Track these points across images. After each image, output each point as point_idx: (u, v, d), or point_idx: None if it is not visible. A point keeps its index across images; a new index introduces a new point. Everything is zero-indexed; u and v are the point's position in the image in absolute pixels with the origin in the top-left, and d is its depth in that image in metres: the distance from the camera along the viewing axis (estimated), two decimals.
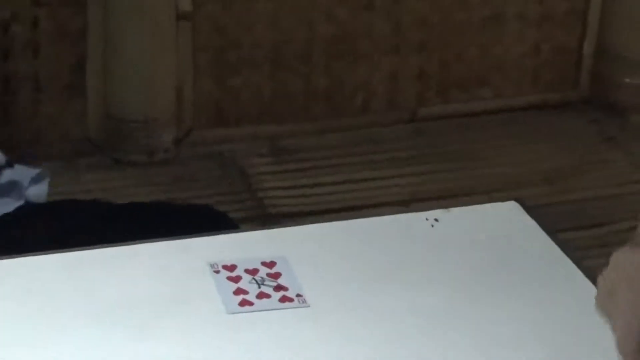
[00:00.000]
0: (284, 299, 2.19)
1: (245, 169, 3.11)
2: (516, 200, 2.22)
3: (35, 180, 2.71)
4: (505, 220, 2.21)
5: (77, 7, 3.11)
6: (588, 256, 2.32)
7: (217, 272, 2.16)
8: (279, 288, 2.27)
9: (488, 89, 3.50)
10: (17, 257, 2.12)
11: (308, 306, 2.01)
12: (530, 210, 2.15)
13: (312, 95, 3.39)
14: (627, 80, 3.54)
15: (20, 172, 2.69)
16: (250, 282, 2.30)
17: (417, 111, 3.83)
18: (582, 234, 2.96)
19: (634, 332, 1.70)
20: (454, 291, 2.00)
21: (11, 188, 2.68)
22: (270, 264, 2.20)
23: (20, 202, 2.67)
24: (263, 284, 2.25)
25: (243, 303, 2.16)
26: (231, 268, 2.19)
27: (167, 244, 2.15)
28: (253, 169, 3.13)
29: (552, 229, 2.12)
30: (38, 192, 2.68)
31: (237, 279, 2.21)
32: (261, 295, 2.26)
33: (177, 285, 2.09)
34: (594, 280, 1.86)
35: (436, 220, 2.19)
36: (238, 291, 2.19)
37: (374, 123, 3.67)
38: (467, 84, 3.76)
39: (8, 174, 2.73)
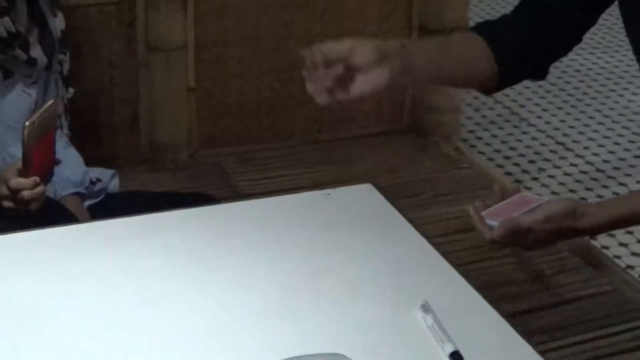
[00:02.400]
0: None
1: (227, 171, 3.03)
2: (372, 183, 2.22)
3: (112, 178, 2.61)
4: (363, 197, 2.20)
5: (132, 83, 2.91)
6: (416, 216, 2.20)
7: None
8: None
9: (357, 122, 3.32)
10: (104, 220, 2.17)
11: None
12: (380, 189, 2.19)
13: (264, 132, 3.26)
14: (429, 117, 3.40)
15: (102, 173, 2.59)
16: None
17: (319, 136, 3.58)
18: (409, 201, 2.64)
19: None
20: (317, 248, 1.99)
21: (99, 185, 2.59)
22: None
23: (104, 194, 2.58)
24: None
25: None
26: None
27: (181, 212, 2.14)
28: (231, 170, 3.04)
29: (393, 200, 2.16)
30: (113, 186, 2.60)
31: None
32: None
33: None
34: (424, 235, 2.01)
35: (328, 194, 2.16)
36: None
37: (295, 144, 3.24)
38: (347, 117, 3.65)
39: (97, 173, 2.65)
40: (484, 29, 2.01)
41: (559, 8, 1.97)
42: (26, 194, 2.22)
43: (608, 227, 1.88)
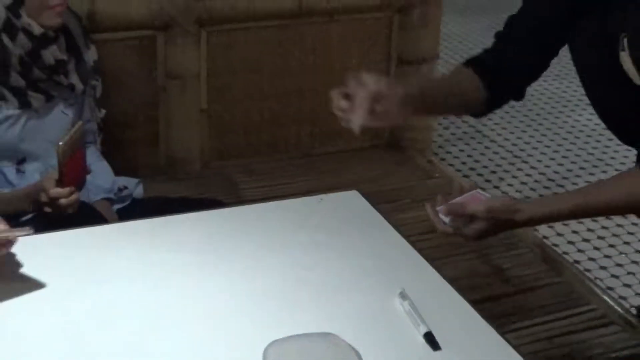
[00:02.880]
0: None
1: (233, 180, 3.04)
2: (357, 190, 2.23)
3: (136, 185, 2.60)
4: (350, 202, 2.20)
5: (152, 105, 3.01)
6: (395, 219, 2.17)
7: None
8: None
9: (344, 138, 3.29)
10: (130, 221, 2.18)
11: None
12: (364, 195, 2.20)
13: (265, 147, 3.24)
14: (405, 134, 3.39)
15: (128, 181, 2.58)
16: None
17: (311, 151, 3.57)
18: (389, 206, 2.67)
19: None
20: (311, 245, 1.99)
21: (125, 191, 2.58)
22: None
23: (130, 199, 2.57)
24: None
25: None
26: None
27: (194, 214, 2.12)
28: (236, 180, 3.05)
29: (375, 204, 2.17)
30: (138, 192, 2.59)
31: None
32: None
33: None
34: (403, 235, 2.01)
35: (321, 200, 2.16)
36: None
37: (291, 157, 3.25)
38: (336, 134, 3.51)
39: (124, 181, 2.63)
40: (475, 64, 2.03)
41: (530, 41, 2.00)
42: (63, 201, 2.23)
43: (539, 222, 1.89)
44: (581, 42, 1.94)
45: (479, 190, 1.97)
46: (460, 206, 1.93)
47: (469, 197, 1.93)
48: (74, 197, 2.27)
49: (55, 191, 2.23)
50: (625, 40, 1.82)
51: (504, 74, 2.03)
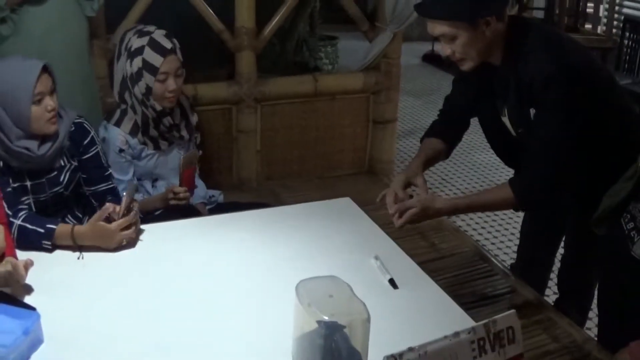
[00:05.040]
0: None
1: (275, 192, 3.08)
2: (350, 197, 2.17)
3: (219, 195, 2.64)
4: (342, 209, 2.13)
5: (228, 149, 3.19)
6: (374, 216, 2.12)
7: None
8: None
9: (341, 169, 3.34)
10: (216, 215, 2.13)
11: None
12: (354, 201, 2.13)
13: (293, 173, 3.38)
14: (378, 165, 3.41)
15: (214, 192, 2.61)
16: None
17: (321, 175, 3.41)
18: (366, 207, 2.64)
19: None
20: (320, 231, 1.95)
21: (213, 198, 2.62)
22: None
23: (216, 203, 2.60)
24: None
25: None
26: None
27: (253, 212, 2.10)
28: (277, 192, 3.09)
29: (360, 206, 2.09)
30: (220, 199, 2.63)
31: None
32: None
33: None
34: (377, 223, 1.98)
35: (328, 203, 2.07)
36: None
37: (308, 179, 3.34)
38: (336, 166, 3.43)
39: (212, 192, 2.65)
40: (436, 134, 2.05)
41: (459, 112, 2.03)
42: (181, 195, 2.28)
43: (447, 212, 1.85)
44: (483, 112, 1.99)
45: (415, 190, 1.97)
46: (398, 194, 1.91)
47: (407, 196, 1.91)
48: (187, 194, 2.30)
49: (177, 188, 2.30)
50: (505, 110, 1.89)
51: (451, 133, 2.07)
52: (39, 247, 1.71)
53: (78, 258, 1.72)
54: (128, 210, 1.82)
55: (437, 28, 1.66)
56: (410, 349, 1.02)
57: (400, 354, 1.01)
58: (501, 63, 1.74)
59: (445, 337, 1.09)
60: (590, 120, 1.67)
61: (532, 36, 1.68)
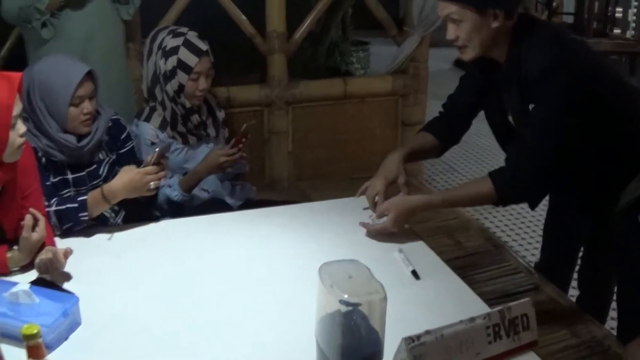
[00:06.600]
0: None
1: (305, 191, 3.09)
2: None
3: (254, 192, 2.65)
4: (353, 207, 2.04)
5: (260, 150, 3.28)
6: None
7: None
8: None
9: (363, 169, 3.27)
10: (250, 209, 2.15)
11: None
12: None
13: (322, 175, 3.39)
14: (407, 166, 3.42)
15: (250, 188, 2.63)
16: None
17: (351, 175, 3.28)
18: None
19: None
20: (338, 222, 1.95)
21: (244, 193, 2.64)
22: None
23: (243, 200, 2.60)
24: None
25: None
26: None
27: (284, 207, 2.11)
28: (307, 191, 3.11)
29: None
30: (254, 195, 2.65)
31: None
32: None
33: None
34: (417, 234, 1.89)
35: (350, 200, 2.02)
36: None
37: (333, 181, 3.27)
38: (364, 167, 3.21)
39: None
40: (431, 129, 2.03)
41: (461, 109, 2.00)
42: (235, 156, 2.25)
43: (423, 208, 1.83)
44: (488, 110, 1.94)
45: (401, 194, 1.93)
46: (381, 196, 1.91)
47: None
48: (237, 155, 2.27)
49: (231, 150, 2.27)
50: (509, 107, 1.89)
51: (448, 132, 2.03)
52: (78, 222, 1.76)
53: (108, 239, 1.78)
54: (158, 164, 1.87)
55: (446, 8, 1.67)
56: (427, 332, 1.06)
57: (418, 336, 1.06)
58: (506, 60, 1.72)
59: (461, 321, 1.12)
60: (593, 119, 1.62)
61: (537, 34, 1.66)
